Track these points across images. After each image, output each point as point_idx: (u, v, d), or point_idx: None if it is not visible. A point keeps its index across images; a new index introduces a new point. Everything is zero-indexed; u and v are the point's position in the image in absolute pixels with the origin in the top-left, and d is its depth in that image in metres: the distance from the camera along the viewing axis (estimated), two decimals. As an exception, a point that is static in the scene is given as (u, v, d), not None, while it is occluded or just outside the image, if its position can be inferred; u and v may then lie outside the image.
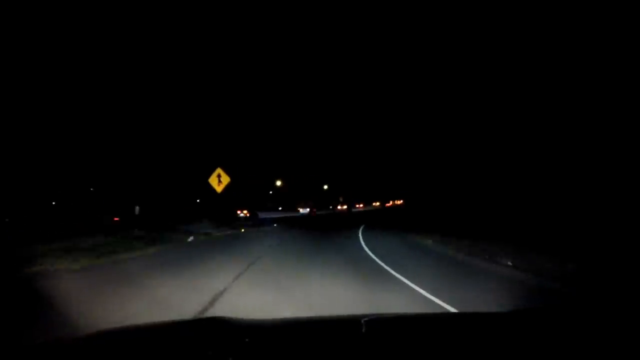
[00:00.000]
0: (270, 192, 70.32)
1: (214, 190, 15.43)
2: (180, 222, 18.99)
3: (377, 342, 1.25)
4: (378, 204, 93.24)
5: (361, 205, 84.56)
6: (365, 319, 1.49)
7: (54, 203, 36.21)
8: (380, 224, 25.23)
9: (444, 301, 4.92)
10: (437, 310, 4.45)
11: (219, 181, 15.30)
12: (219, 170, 15.44)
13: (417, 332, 1.39)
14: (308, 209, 54.28)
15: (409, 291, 5.63)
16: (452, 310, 4.52)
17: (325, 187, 76.83)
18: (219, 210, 22.68)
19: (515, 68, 20.07)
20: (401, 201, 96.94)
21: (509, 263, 8.11)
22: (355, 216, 42.31)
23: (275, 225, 24.45)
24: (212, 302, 4.70)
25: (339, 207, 70.10)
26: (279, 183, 63.31)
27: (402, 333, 1.37)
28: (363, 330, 1.40)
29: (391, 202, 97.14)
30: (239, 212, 45.51)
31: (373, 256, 9.46)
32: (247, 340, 1.19)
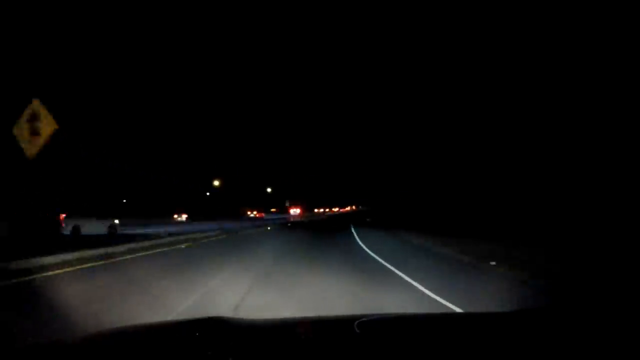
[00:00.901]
0: (208, 194, 62.20)
1: (21, 150, 6.59)
2: None
3: (376, 342, 1.21)
4: (337, 209, 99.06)
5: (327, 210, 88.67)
6: (365, 319, 1.44)
7: None
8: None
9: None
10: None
11: (31, 130, 6.50)
12: (35, 106, 6.60)
13: (416, 332, 1.38)
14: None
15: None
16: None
17: (269, 190, 69.74)
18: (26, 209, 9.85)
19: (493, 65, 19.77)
20: (354, 207, 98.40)
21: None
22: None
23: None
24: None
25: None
26: (216, 183, 54.56)
27: (400, 333, 1.35)
28: (362, 330, 1.32)
29: (349, 208, 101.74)
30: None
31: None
32: (247, 340, 1.18)
